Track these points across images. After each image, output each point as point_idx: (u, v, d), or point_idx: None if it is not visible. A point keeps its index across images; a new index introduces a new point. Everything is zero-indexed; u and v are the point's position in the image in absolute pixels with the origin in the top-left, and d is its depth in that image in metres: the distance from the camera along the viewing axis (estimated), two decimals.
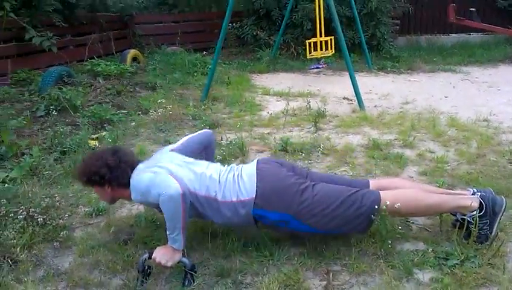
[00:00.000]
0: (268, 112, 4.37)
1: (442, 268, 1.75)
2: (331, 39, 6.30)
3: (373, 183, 2.06)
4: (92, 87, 5.10)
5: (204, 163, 2.03)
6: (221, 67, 6.97)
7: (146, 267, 1.75)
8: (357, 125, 3.86)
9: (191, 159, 2.03)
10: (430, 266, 1.78)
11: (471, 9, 7.77)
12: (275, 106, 4.69)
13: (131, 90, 5.25)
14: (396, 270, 1.77)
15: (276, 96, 5.29)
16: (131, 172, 1.91)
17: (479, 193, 1.93)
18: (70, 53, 6.78)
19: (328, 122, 4.03)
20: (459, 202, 1.90)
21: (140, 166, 1.94)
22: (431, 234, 2.04)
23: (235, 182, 1.88)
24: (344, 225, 1.86)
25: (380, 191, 1.90)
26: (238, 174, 1.92)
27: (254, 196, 1.84)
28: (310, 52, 6.27)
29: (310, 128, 3.80)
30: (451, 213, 2.02)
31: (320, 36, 6.24)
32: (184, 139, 2.21)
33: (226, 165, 2.04)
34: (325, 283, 1.72)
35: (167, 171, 1.83)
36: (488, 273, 1.70)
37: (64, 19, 6.49)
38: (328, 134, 3.61)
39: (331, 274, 1.76)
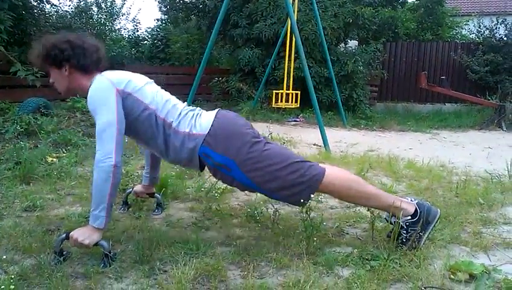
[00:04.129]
0: None
1: (364, 266, 1.73)
2: (296, 93, 6.67)
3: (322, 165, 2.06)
4: (67, 118, 5.19)
5: (173, 97, 2.03)
6: None
7: (62, 248, 1.71)
8: (318, 162, 3.91)
9: (163, 90, 2.03)
10: (353, 264, 1.76)
11: (442, 77, 8.28)
12: None
13: None
14: (318, 266, 1.74)
15: None
16: (97, 61, 1.88)
17: (416, 201, 1.96)
18: (55, 91, 6.82)
19: None
20: (395, 201, 1.90)
21: (111, 73, 1.87)
22: (363, 242, 2.03)
23: (193, 117, 1.91)
24: (283, 189, 1.84)
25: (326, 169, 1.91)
26: (199, 113, 1.95)
27: (206, 133, 1.85)
28: (276, 102, 6.64)
29: None
30: (386, 219, 2.02)
31: (287, 89, 6.65)
32: None
33: (193, 106, 2.05)
34: (244, 272, 1.68)
35: (136, 90, 1.85)
36: (407, 271, 1.68)
37: None
38: None
39: (252, 265, 1.72)
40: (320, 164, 1.96)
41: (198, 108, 2.03)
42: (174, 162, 2.00)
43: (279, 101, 6.77)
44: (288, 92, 6.69)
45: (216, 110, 1.99)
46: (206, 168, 1.99)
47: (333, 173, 1.91)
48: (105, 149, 1.69)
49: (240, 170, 1.82)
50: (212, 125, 1.86)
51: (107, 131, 1.72)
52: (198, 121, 1.89)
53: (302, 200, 1.87)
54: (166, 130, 1.87)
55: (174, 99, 1.98)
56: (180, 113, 1.90)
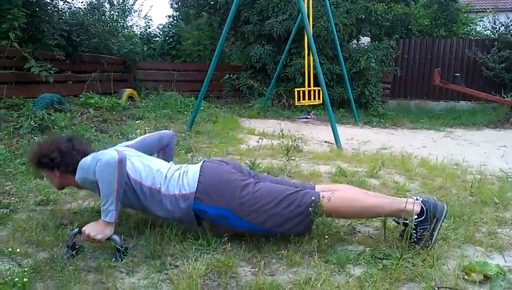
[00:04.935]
0: (247, 145, 4.45)
1: (376, 265, 1.71)
2: (318, 90, 6.62)
3: (318, 187, 2.07)
4: (80, 114, 5.25)
5: (156, 159, 2.09)
6: (213, 110, 7.18)
7: (75, 242, 1.73)
8: (329, 159, 3.91)
9: (143, 154, 2.08)
10: (365, 263, 1.74)
11: (456, 74, 8.14)
12: (255, 142, 4.76)
13: (118, 119, 5.39)
14: (329, 264, 1.73)
15: (259, 135, 5.38)
16: None
17: (421, 199, 1.94)
18: (68, 87, 7.02)
19: (304, 156, 4.08)
20: (400, 205, 1.88)
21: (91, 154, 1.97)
22: (375, 241, 2.01)
23: (179, 177, 1.93)
24: (284, 223, 1.85)
25: (321, 192, 1.91)
26: (185, 171, 1.96)
27: (195, 190, 1.86)
28: (299, 100, 6.61)
29: (283, 158, 3.84)
30: (394, 221, 2.00)
31: (309, 86, 6.62)
32: (141, 137, 2.27)
33: (178, 165, 2.07)
34: (255, 269, 1.68)
35: None
36: (420, 270, 1.66)
37: (66, 55, 6.84)
38: (299, 163, 3.65)
39: (263, 262, 1.72)
40: (317, 186, 1.99)
41: (184, 165, 2.05)
42: (168, 219, 2.01)
43: (302, 99, 6.80)
44: (310, 89, 6.72)
45: (201, 162, 2.00)
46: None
47: (328, 194, 1.88)
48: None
49: (237, 216, 1.84)
50: (199, 181, 1.87)
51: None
52: (185, 180, 1.90)
53: (305, 229, 1.88)
54: (156, 196, 1.88)
55: (156, 164, 1.99)
56: (166, 177, 1.91)
